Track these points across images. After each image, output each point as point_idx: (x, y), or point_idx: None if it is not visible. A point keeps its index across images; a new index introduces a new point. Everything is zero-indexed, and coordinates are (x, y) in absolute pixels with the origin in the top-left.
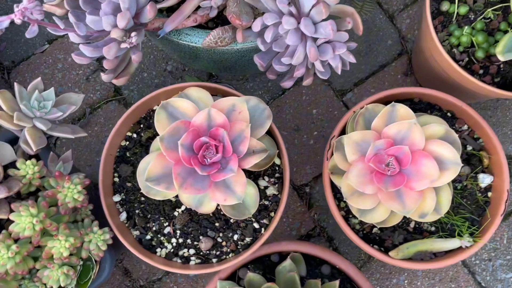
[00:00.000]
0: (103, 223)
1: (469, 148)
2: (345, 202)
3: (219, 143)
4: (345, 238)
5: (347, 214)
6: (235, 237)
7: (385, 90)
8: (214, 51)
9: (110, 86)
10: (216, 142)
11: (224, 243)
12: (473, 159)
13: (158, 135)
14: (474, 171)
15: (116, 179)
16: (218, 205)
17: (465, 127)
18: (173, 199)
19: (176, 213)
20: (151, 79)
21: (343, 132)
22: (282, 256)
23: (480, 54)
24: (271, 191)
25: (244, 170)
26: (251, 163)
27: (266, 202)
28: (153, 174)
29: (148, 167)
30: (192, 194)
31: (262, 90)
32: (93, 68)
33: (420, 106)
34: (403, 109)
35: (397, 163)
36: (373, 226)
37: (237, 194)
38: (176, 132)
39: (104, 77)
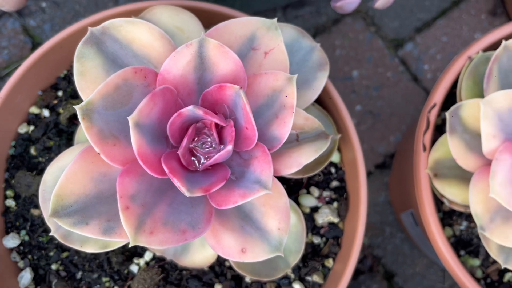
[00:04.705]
0: None
1: None
2: (451, 227)
3: (226, 122)
4: (414, 274)
5: (456, 250)
6: None
7: None
8: None
9: (25, 41)
10: (218, 118)
11: None
12: None
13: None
14: None
15: (10, 203)
16: None
17: None
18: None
19: (135, 268)
20: None
21: (450, 98)
22: None
23: None
24: (325, 216)
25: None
26: (297, 163)
27: (316, 240)
28: (70, 197)
29: (59, 182)
30: (169, 243)
31: None
32: None
33: None
34: None
35: None
36: (504, 271)
37: (270, 236)
38: (123, 95)
39: None
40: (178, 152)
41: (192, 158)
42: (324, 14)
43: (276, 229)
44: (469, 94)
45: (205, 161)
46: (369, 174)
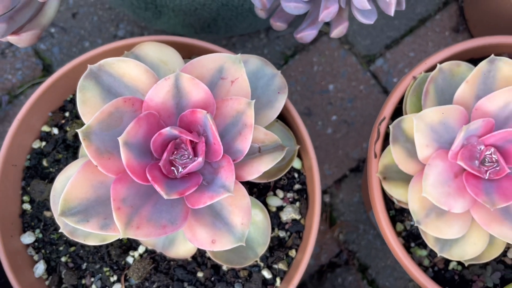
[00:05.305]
0: (4, 285)
1: None
2: (402, 223)
3: (199, 138)
4: (385, 266)
5: (407, 242)
6: None
7: (464, 42)
8: None
9: (36, 63)
10: (192, 136)
11: None
12: None
13: None
14: None
15: (27, 206)
16: None
17: None
18: None
19: (130, 259)
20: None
21: (398, 112)
22: None
23: None
24: (289, 214)
25: (243, 183)
26: (257, 171)
27: (282, 234)
28: (74, 201)
29: (66, 189)
30: (152, 235)
31: None
32: None
33: None
34: (508, 68)
35: (502, 159)
36: (449, 260)
37: (235, 230)
38: (115, 120)
39: None
40: (159, 164)
41: (172, 168)
42: None
43: (240, 224)
44: (413, 109)
45: (182, 170)
46: (344, 177)
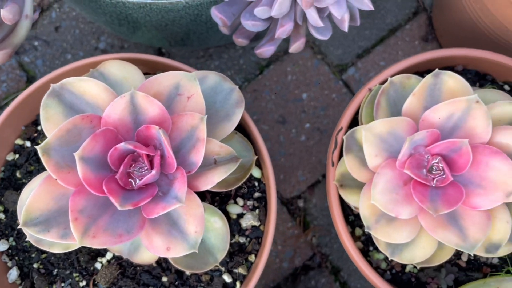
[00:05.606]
0: None
1: None
2: (361, 228)
3: (155, 152)
4: (357, 269)
5: (366, 246)
6: None
7: (417, 55)
8: (151, 9)
9: (21, 75)
10: (148, 150)
11: None
12: None
13: None
14: None
15: (1, 216)
16: None
17: None
18: None
19: (98, 265)
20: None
21: (355, 122)
22: None
23: None
24: (248, 221)
25: (201, 193)
26: (211, 181)
27: (242, 239)
28: (36, 212)
29: (27, 200)
30: (108, 244)
31: (232, 70)
32: None
33: (466, 77)
34: (453, 81)
35: (447, 167)
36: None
37: (189, 237)
38: (74, 136)
39: None
40: (116, 177)
41: (130, 179)
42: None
43: (194, 232)
44: (368, 120)
45: (139, 182)
46: (317, 183)
